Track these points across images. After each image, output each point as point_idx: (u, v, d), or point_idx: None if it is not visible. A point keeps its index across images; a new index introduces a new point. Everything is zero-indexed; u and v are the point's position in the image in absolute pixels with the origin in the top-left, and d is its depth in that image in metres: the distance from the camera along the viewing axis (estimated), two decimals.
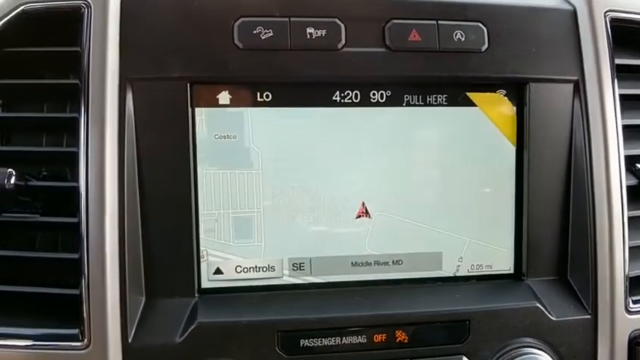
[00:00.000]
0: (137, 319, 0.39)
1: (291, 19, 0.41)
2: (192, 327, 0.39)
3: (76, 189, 0.39)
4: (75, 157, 0.39)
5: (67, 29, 0.40)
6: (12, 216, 0.41)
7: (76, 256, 0.39)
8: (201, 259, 0.42)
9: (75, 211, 0.39)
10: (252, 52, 0.41)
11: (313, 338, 0.40)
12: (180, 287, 0.41)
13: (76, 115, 0.39)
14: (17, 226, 0.41)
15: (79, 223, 0.38)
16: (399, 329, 0.41)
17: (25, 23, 0.40)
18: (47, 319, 0.40)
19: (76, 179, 0.39)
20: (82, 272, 0.38)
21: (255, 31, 0.41)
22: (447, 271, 0.45)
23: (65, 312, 0.40)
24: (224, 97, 0.42)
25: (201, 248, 0.42)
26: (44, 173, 0.43)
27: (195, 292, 0.42)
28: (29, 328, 0.39)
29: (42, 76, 0.43)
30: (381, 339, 0.41)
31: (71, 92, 0.41)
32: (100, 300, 0.38)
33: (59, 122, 0.42)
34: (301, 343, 0.40)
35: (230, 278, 0.43)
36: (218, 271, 0.43)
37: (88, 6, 0.40)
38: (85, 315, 0.38)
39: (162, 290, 0.41)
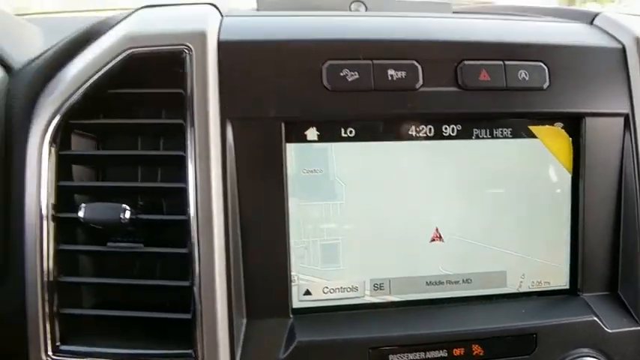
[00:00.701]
0: (242, 339, 0.43)
1: (374, 62, 0.45)
2: (293, 345, 0.43)
3: (186, 221, 0.42)
4: (182, 191, 0.42)
5: (169, 71, 0.43)
6: (120, 246, 0.44)
7: (187, 283, 0.42)
8: (293, 283, 0.46)
9: (184, 241, 0.42)
10: (339, 93, 0.44)
11: (401, 353, 0.44)
12: (276, 308, 0.45)
13: (181, 152, 0.43)
14: (119, 254, 0.45)
15: (189, 254, 0.42)
16: (475, 343, 0.45)
17: (131, 66, 0.43)
18: (153, 340, 0.44)
19: (185, 212, 0.42)
20: (194, 298, 0.42)
21: (341, 74, 0.44)
22: (511, 287, 0.50)
23: (170, 333, 0.43)
24: (312, 133, 0.46)
25: (293, 273, 0.46)
26: (140, 203, 0.46)
27: (290, 312, 0.45)
28: (145, 350, 0.42)
29: (138, 115, 0.46)
30: (460, 352, 0.45)
31: (167, 129, 0.45)
32: (212, 323, 0.41)
33: (159, 158, 0.45)
34: (390, 359, 0.44)
35: (318, 299, 0.47)
36: (307, 293, 0.47)
37: (190, 50, 0.43)
38: (198, 337, 0.42)
39: (261, 312, 0.44)
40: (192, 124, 0.42)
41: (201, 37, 0.43)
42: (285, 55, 0.44)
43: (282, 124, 0.44)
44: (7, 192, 0.48)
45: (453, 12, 0.80)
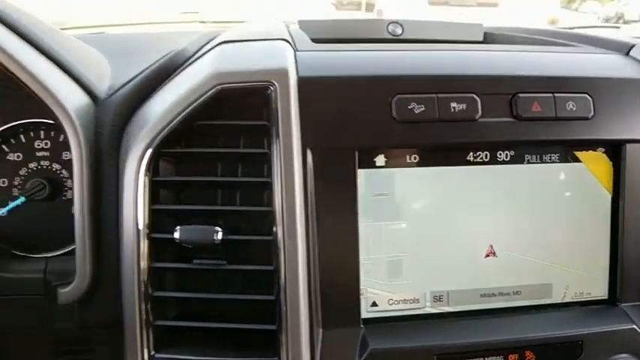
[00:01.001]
0: (319, 347, 0.48)
1: (438, 95, 0.49)
2: (367, 352, 0.47)
3: (273, 241, 0.46)
4: (269, 213, 0.47)
5: (254, 105, 0.48)
6: (207, 264, 0.48)
7: (272, 297, 0.47)
8: (361, 295, 0.50)
9: (268, 258, 0.47)
10: (407, 124, 0.49)
11: (463, 359, 0.49)
12: (348, 319, 0.49)
13: (268, 179, 0.47)
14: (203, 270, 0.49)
15: (276, 270, 0.46)
16: (528, 350, 0.50)
17: (218, 99, 0.48)
18: (235, 349, 0.48)
19: (271, 233, 0.47)
20: (280, 311, 0.46)
21: (409, 107, 0.49)
22: (556, 298, 0.54)
23: (249, 342, 0.48)
24: (380, 159, 0.50)
25: (362, 287, 0.50)
26: (220, 223, 0.51)
27: (360, 322, 0.50)
28: (234, 357, 0.47)
29: (217, 142, 0.50)
30: (514, 358, 0.50)
31: (249, 156, 0.49)
32: (296, 333, 0.46)
33: (245, 183, 0.49)
34: None
35: (383, 310, 0.51)
36: (374, 304, 0.51)
37: (273, 86, 0.47)
38: (283, 346, 0.46)
39: (335, 322, 0.49)
40: (278, 153, 0.47)
41: (283, 74, 0.47)
42: (358, 90, 0.49)
43: (356, 152, 0.49)
44: (98, 212, 0.53)
45: (485, 32, 0.84)
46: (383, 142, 0.49)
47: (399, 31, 0.85)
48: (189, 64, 0.54)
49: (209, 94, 0.47)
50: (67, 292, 0.51)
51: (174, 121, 0.47)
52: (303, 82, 0.48)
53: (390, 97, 0.49)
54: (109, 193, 0.53)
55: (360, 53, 0.53)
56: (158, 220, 0.49)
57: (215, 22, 1.19)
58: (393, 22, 0.85)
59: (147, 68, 0.56)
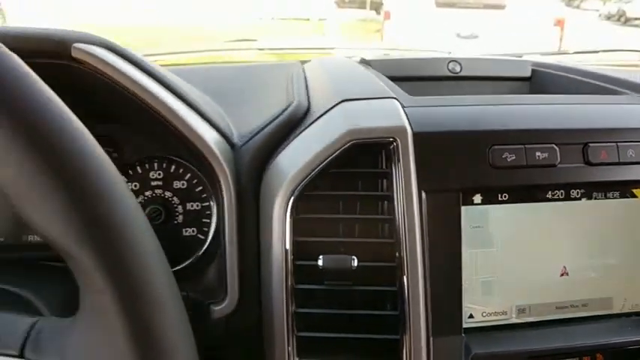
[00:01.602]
0: (432, 353, 0.59)
1: (526, 146, 0.60)
2: (471, 356, 0.59)
3: (398, 267, 0.58)
4: (393, 244, 0.58)
5: (379, 155, 0.59)
6: (341, 284, 0.59)
7: (396, 312, 0.58)
8: (463, 309, 0.62)
9: (394, 281, 0.58)
10: (500, 169, 0.60)
11: None
12: (452, 329, 0.61)
13: (391, 216, 0.58)
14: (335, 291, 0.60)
15: (400, 290, 0.58)
16: (598, 353, 0.61)
17: (351, 151, 0.59)
18: (361, 356, 0.59)
19: (393, 259, 0.58)
20: (404, 323, 0.57)
21: (502, 156, 0.60)
22: (616, 309, 0.66)
23: (371, 350, 0.59)
24: (477, 198, 0.61)
25: (462, 302, 0.62)
26: (341, 250, 0.62)
27: (462, 331, 0.61)
28: None
29: (339, 185, 0.61)
30: None
31: (367, 196, 0.60)
32: (417, 342, 0.57)
33: (371, 219, 0.60)
34: None
35: (478, 320, 0.63)
36: (470, 316, 0.63)
37: (395, 140, 0.58)
38: (406, 354, 0.57)
39: (441, 331, 0.60)
40: (401, 195, 0.58)
41: (403, 131, 0.58)
42: (461, 142, 0.60)
43: (460, 193, 0.60)
44: (242, 243, 0.64)
45: (532, 67, 0.95)
46: (481, 185, 0.60)
47: (457, 68, 0.96)
48: (315, 120, 0.64)
49: (344, 148, 0.58)
50: (220, 309, 0.62)
51: (315, 171, 0.58)
52: (418, 137, 0.59)
53: (487, 147, 0.60)
54: (250, 227, 0.64)
55: (459, 109, 0.64)
56: (297, 249, 0.60)
57: (272, 49, 1.30)
58: (452, 60, 0.96)
59: (272, 120, 0.67)
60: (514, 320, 0.64)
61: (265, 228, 0.62)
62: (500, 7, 5.86)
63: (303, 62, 1.09)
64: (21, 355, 0.32)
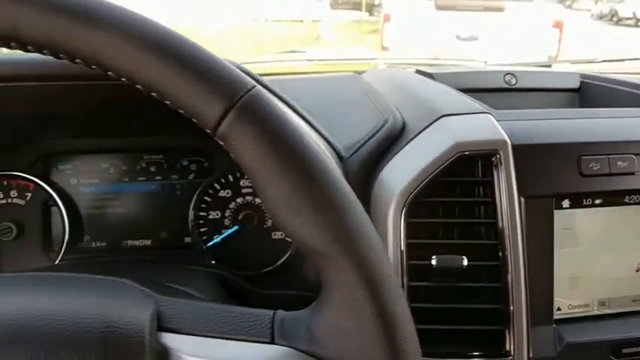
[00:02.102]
0: (526, 342, 0.66)
1: (609, 156, 0.68)
2: (563, 344, 0.66)
3: (502, 265, 0.64)
4: (497, 245, 0.65)
5: (483, 165, 0.66)
6: (446, 281, 0.66)
7: (499, 306, 0.65)
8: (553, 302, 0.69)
9: (498, 278, 0.65)
10: (587, 177, 0.67)
11: (630, 348, 0.67)
12: (544, 319, 0.68)
13: (494, 220, 0.65)
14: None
15: (504, 286, 0.64)
16: None
17: (457, 162, 0.65)
18: (468, 345, 0.66)
19: (496, 258, 0.65)
20: (508, 317, 0.64)
21: (589, 165, 0.67)
22: None
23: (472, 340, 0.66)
24: (566, 203, 0.68)
25: (553, 296, 0.69)
26: (441, 251, 0.68)
27: (553, 322, 0.68)
28: (478, 351, 0.65)
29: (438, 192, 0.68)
30: None
31: (470, 202, 0.67)
32: (519, 332, 0.64)
33: (477, 223, 0.67)
34: (623, 351, 0.67)
35: (564, 312, 0.70)
36: (558, 309, 0.70)
37: (498, 152, 0.65)
38: (511, 342, 0.64)
39: (536, 322, 0.67)
40: (504, 201, 0.65)
41: (504, 143, 0.65)
42: (554, 153, 0.67)
43: (553, 199, 0.67)
44: None
45: (581, 78, 1.03)
46: (570, 191, 0.67)
47: (513, 81, 1.03)
48: (417, 135, 0.71)
49: (451, 159, 0.65)
50: None
51: (426, 180, 0.65)
52: (516, 149, 0.66)
53: (576, 158, 0.67)
54: None
55: (549, 122, 0.71)
56: (409, 250, 0.66)
57: (320, 60, 1.36)
58: (508, 73, 1.04)
59: (373, 135, 0.74)
60: (595, 312, 0.71)
61: (380, 233, 0.68)
62: (500, 9, 5.96)
63: (357, 72, 1.16)
64: (272, 342, 0.38)
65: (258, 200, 0.89)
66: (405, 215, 0.65)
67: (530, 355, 0.65)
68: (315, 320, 0.38)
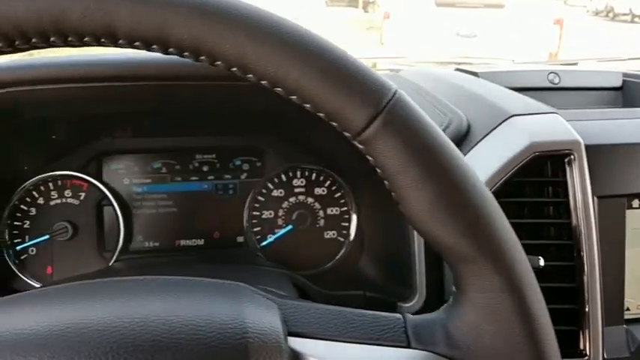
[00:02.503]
0: (601, 342, 0.66)
1: None
2: (637, 344, 0.66)
3: (576, 266, 0.65)
4: (573, 245, 0.65)
5: (556, 165, 0.66)
6: None
7: (575, 306, 0.65)
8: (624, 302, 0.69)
9: (573, 278, 0.65)
10: None
11: None
12: (616, 319, 0.68)
13: (567, 220, 0.65)
14: None
15: (580, 286, 0.65)
16: None
17: (531, 162, 0.65)
18: None
19: (572, 258, 0.65)
20: (584, 317, 0.64)
21: None
22: None
23: None
24: (636, 202, 0.69)
25: (624, 296, 0.69)
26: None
27: (623, 322, 0.69)
28: None
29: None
30: None
31: (541, 202, 0.67)
32: (595, 332, 0.64)
33: (551, 223, 0.67)
34: None
35: (633, 313, 0.70)
36: (627, 309, 0.70)
37: (572, 152, 0.65)
38: (587, 341, 0.64)
39: (609, 322, 0.67)
40: (579, 201, 0.65)
41: (578, 143, 0.65)
42: (626, 153, 0.67)
43: (625, 198, 0.67)
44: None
45: (623, 77, 1.03)
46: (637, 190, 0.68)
47: (556, 80, 1.03)
48: (486, 135, 0.71)
49: (527, 160, 0.65)
50: (408, 307, 0.69)
51: (502, 180, 0.65)
52: (589, 149, 0.66)
53: None
54: None
55: (616, 122, 0.71)
56: None
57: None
58: (551, 72, 1.03)
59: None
60: None
61: None
62: (500, 6, 5.98)
63: (393, 71, 1.16)
64: (408, 346, 0.38)
65: (310, 200, 0.89)
66: None
67: (605, 356, 0.65)
68: (453, 323, 0.38)
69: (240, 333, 0.35)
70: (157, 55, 0.62)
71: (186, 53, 0.35)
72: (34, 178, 0.81)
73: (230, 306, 0.38)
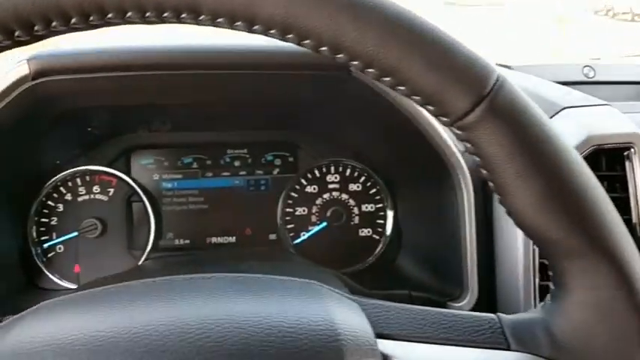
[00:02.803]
0: None
1: None
2: None
3: None
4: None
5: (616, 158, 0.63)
6: None
7: None
8: None
9: None
10: None
11: None
12: None
13: (627, 216, 0.63)
14: None
15: None
16: None
17: (589, 156, 0.63)
18: None
19: None
20: None
21: None
22: None
23: None
24: None
25: None
26: None
27: None
28: None
29: None
30: None
31: None
32: None
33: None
34: None
35: None
36: None
37: (633, 145, 0.63)
38: None
39: None
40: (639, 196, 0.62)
41: (638, 136, 0.63)
42: None
43: None
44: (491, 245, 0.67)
45: None
46: None
47: (591, 74, 1.01)
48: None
49: (585, 153, 0.62)
50: (459, 307, 0.66)
51: None
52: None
53: None
54: (480, 226, 0.67)
55: None
56: None
57: None
58: (586, 66, 1.01)
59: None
60: None
61: (502, 228, 0.65)
62: (500, 4, 5.97)
63: None
64: (508, 348, 0.35)
65: (344, 196, 0.86)
66: None
67: None
68: (557, 324, 0.35)
69: (332, 335, 0.33)
70: (208, 43, 0.60)
71: (272, 31, 0.32)
72: (61, 174, 0.78)
73: (314, 306, 0.35)
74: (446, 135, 0.65)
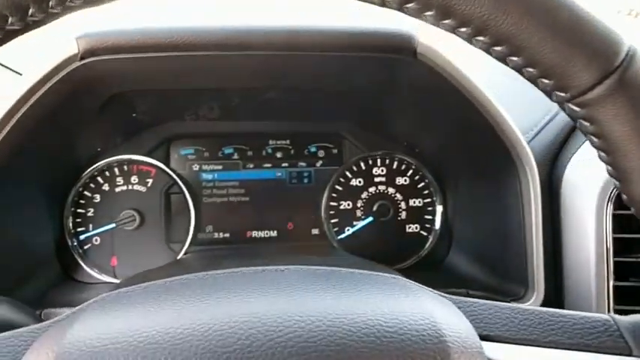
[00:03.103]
0: None
1: None
2: None
3: None
4: None
5: None
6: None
7: None
8: None
9: None
10: None
11: None
12: None
13: None
14: None
15: None
16: None
17: None
18: None
19: None
20: None
21: None
22: None
23: None
24: None
25: None
26: None
27: None
28: None
29: None
30: None
31: None
32: None
33: None
34: None
35: None
36: None
37: None
38: None
39: None
40: None
41: None
42: None
43: None
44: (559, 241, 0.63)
45: None
46: None
47: None
48: None
49: None
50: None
51: None
52: None
53: None
54: (546, 221, 0.63)
55: None
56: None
57: None
58: None
59: (550, 121, 0.67)
60: None
61: (570, 226, 0.61)
62: None
63: None
64: (630, 354, 0.31)
65: (391, 190, 0.82)
66: (611, 207, 0.58)
67: None
68: None
69: (436, 336, 0.29)
70: (266, 24, 0.56)
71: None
72: (99, 163, 0.74)
73: (408, 302, 0.31)
74: (514, 125, 0.60)
